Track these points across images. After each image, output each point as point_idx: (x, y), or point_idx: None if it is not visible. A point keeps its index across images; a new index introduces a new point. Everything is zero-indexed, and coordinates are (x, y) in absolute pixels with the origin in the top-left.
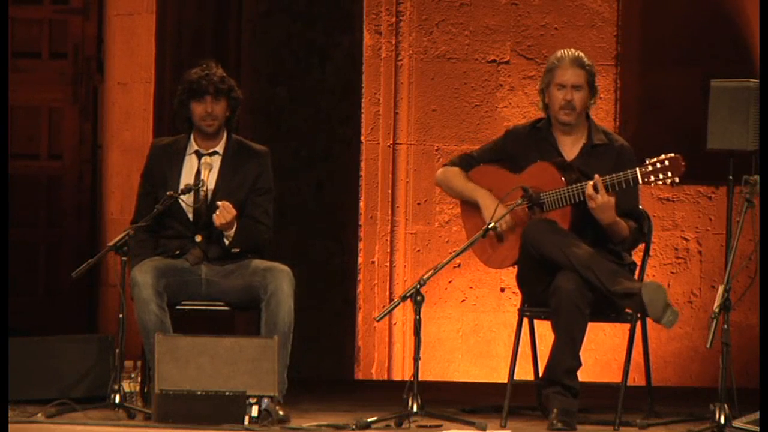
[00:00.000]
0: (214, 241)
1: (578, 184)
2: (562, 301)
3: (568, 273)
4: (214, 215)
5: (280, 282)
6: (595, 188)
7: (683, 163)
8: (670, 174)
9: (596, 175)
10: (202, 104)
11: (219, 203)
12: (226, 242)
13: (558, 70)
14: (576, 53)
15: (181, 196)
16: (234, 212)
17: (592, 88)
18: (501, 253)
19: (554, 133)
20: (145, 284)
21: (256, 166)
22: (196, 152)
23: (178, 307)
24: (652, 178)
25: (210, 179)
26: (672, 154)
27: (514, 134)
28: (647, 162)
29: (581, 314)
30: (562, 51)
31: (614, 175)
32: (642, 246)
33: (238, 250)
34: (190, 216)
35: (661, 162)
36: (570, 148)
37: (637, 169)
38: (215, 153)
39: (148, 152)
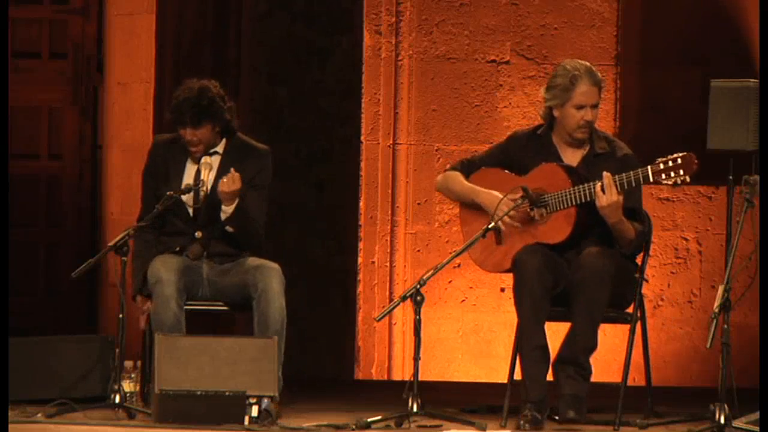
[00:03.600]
0: (215, 238)
1: (586, 184)
2: (587, 277)
3: (594, 249)
4: (221, 180)
5: (270, 280)
6: (603, 187)
7: (696, 161)
8: (682, 172)
9: (606, 173)
10: (184, 131)
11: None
12: (223, 217)
13: (576, 90)
14: (587, 67)
15: (181, 196)
16: (240, 184)
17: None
18: (496, 257)
19: (555, 142)
20: (169, 281)
21: (256, 164)
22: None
23: None
24: (664, 177)
25: (209, 178)
26: (684, 153)
27: (516, 139)
28: (659, 160)
29: (605, 288)
30: (573, 66)
31: (624, 174)
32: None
33: (232, 229)
34: (191, 213)
35: (674, 160)
36: (571, 156)
37: (649, 167)
38: (215, 153)
39: (149, 149)
